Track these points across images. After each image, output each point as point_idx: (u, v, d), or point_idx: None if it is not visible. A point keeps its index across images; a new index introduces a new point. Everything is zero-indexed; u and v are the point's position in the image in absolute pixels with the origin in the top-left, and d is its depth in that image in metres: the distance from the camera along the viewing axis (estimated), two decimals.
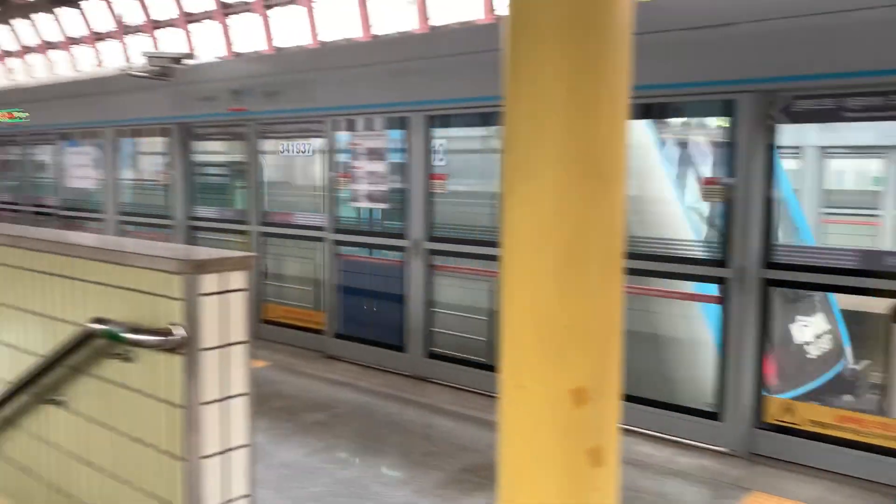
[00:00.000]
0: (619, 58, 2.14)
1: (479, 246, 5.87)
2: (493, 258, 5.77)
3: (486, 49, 5.52)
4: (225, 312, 2.58)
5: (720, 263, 4.66)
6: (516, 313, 2.11)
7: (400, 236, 6.28)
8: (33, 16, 28.40)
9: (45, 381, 3.07)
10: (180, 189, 8.27)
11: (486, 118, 5.85)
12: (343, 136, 6.79)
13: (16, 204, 10.94)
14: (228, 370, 2.59)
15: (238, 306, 2.63)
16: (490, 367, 5.80)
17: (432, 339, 6.20)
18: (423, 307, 6.16)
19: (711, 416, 4.75)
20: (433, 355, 6.17)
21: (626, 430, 3.95)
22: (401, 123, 6.29)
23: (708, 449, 4.67)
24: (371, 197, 6.55)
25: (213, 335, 2.54)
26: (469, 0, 19.72)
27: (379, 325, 6.64)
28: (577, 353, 2.10)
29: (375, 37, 21.33)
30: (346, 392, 5.83)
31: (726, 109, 4.65)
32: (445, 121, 6.15)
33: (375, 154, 6.48)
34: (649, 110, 5.24)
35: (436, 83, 5.97)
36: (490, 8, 19.25)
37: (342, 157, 6.80)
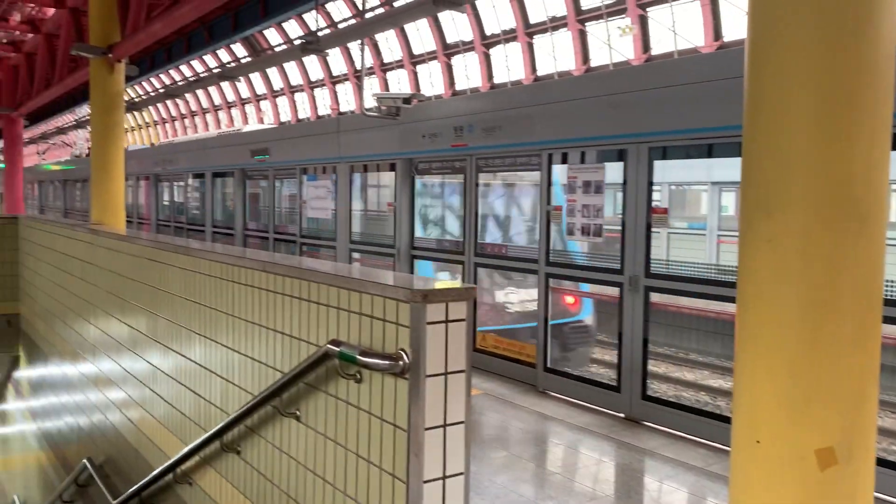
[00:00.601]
0: (879, 82, 1.93)
1: (706, 285, 5.55)
2: (725, 299, 5.43)
3: (715, 78, 5.31)
4: (447, 341, 2.66)
5: None
6: (754, 361, 1.96)
7: (616, 271, 6.13)
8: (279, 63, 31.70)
9: (284, 396, 3.35)
10: (404, 220, 8.74)
11: (714, 150, 5.57)
12: (559, 169, 6.81)
13: (263, 231, 12.21)
14: (449, 397, 2.65)
15: (459, 336, 2.70)
16: (714, 415, 5.45)
17: (648, 379, 5.96)
18: (640, 346, 5.93)
19: None
20: (649, 397, 5.92)
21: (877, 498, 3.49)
22: (619, 156, 6.18)
23: None
24: (586, 230, 6.48)
25: (437, 362, 2.62)
26: (692, 29, 19.05)
27: (592, 361, 6.49)
28: (825, 409, 1.89)
29: (591, 69, 21.27)
30: (558, 427, 5.76)
31: None
32: (668, 153, 5.95)
33: (592, 187, 6.42)
34: None
35: (658, 114, 5.79)
36: (715, 35, 18.43)
37: (557, 190, 6.81)
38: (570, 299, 8.24)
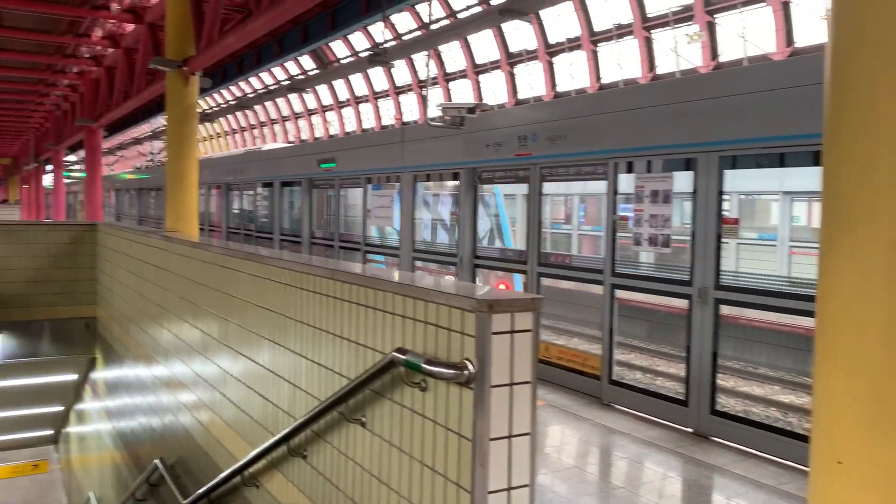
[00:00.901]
0: None
1: (778, 298, 5.38)
2: (798, 312, 5.26)
3: (788, 85, 5.15)
4: (513, 351, 2.64)
5: None
6: (835, 379, 1.88)
7: (685, 283, 6.00)
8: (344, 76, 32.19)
9: (350, 402, 3.39)
10: (467, 229, 8.75)
11: (786, 159, 5.40)
12: (625, 179, 6.71)
13: (329, 239, 12.40)
14: (515, 408, 2.64)
15: (525, 346, 2.68)
16: (786, 432, 5.27)
17: (717, 394, 5.80)
18: (709, 360, 5.78)
19: None
20: (718, 412, 5.76)
21: None
22: (687, 165, 6.05)
23: None
24: (654, 241, 6.36)
25: (502, 373, 2.60)
26: (762, 35, 18.54)
27: (658, 374, 6.36)
28: None
29: (657, 77, 20.93)
30: (623, 441, 5.66)
31: None
32: (738, 162, 5.79)
33: (659, 197, 6.30)
34: None
35: (729, 122, 5.65)
36: (787, 41, 17.91)
37: (624, 200, 6.71)
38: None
